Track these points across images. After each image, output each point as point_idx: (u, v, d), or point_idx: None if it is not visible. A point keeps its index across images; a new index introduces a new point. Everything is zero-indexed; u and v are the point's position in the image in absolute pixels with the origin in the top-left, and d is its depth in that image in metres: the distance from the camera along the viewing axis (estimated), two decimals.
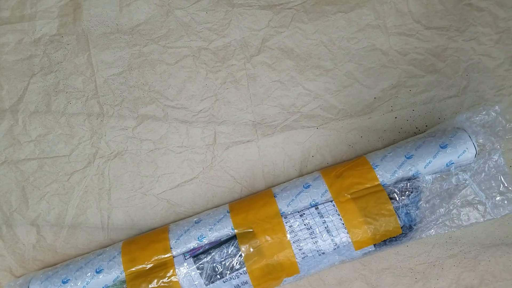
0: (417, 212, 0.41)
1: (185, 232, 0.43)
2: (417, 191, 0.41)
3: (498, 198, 0.41)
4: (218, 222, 0.43)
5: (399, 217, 0.41)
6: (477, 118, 0.42)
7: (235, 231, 0.42)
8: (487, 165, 0.41)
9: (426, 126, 0.48)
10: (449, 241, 0.47)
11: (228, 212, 0.43)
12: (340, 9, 0.49)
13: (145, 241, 0.43)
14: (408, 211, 0.41)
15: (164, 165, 0.48)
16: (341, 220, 0.41)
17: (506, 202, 0.41)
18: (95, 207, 0.48)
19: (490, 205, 0.41)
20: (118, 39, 0.49)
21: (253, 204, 0.43)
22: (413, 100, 0.48)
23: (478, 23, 0.49)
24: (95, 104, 0.49)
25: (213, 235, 0.42)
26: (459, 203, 0.42)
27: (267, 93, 0.49)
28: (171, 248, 0.42)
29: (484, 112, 0.42)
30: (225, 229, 0.42)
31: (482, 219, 0.42)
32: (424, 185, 0.41)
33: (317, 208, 0.42)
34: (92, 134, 0.48)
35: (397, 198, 0.41)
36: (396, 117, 0.48)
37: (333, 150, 0.48)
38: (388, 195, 0.41)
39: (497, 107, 0.42)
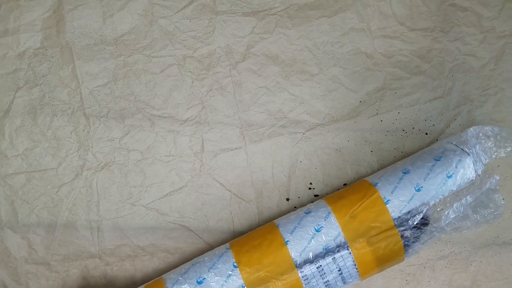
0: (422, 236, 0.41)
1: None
2: (427, 222, 0.41)
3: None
4: (226, 279, 0.41)
5: (407, 247, 0.41)
6: (482, 141, 0.42)
7: None
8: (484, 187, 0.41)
9: (413, 128, 0.48)
10: (439, 242, 0.47)
11: (235, 266, 0.41)
12: (324, 14, 0.49)
13: None
14: (417, 239, 0.41)
15: (152, 175, 0.48)
16: (356, 270, 0.41)
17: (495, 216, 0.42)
18: (84, 219, 0.48)
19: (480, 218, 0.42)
20: (102, 50, 0.49)
21: (264, 256, 0.41)
22: (399, 103, 0.48)
23: (463, 23, 0.49)
24: (81, 116, 0.49)
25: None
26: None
27: (254, 99, 0.49)
28: None
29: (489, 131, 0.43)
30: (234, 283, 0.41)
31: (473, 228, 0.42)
32: (432, 213, 0.41)
33: (334, 259, 0.40)
34: (79, 146, 0.48)
35: (410, 238, 0.41)
36: (381, 120, 0.48)
37: (321, 155, 0.48)
38: (401, 225, 0.41)
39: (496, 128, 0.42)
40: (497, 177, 0.41)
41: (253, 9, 0.49)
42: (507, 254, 0.47)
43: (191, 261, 0.44)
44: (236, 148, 0.49)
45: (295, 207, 0.48)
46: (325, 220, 0.41)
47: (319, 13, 0.49)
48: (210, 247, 0.48)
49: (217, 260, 0.42)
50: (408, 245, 0.41)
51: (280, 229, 0.42)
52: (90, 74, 0.49)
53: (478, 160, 0.42)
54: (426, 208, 0.41)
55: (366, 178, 0.44)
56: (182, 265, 0.44)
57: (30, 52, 0.49)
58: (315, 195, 0.48)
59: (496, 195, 0.41)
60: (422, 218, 0.41)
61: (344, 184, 0.48)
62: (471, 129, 0.43)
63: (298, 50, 0.49)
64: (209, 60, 0.49)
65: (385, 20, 0.49)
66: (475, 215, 0.41)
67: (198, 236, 0.48)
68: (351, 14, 0.49)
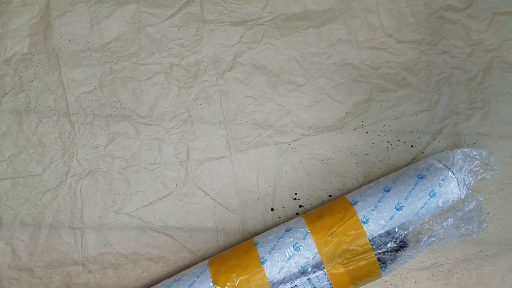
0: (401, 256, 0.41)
1: None
2: (405, 244, 0.41)
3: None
4: None
5: (384, 267, 0.41)
6: (467, 163, 0.42)
7: None
8: (466, 208, 0.41)
9: (398, 140, 0.48)
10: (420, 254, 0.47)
11: (212, 286, 0.42)
12: (311, 24, 0.49)
13: None
14: (394, 260, 0.41)
15: (137, 183, 0.48)
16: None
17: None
18: (68, 226, 0.48)
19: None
20: (89, 57, 0.49)
21: (240, 277, 0.41)
22: (384, 115, 0.48)
23: (451, 36, 0.49)
24: (66, 122, 0.49)
25: None
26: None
27: (240, 109, 0.49)
28: None
29: (476, 154, 0.42)
30: None
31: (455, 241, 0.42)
32: (411, 236, 0.41)
33: (309, 279, 0.41)
34: (64, 153, 0.48)
35: (387, 259, 0.41)
36: (367, 132, 0.48)
37: (306, 166, 0.48)
38: (378, 247, 0.41)
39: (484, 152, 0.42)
40: (481, 199, 0.41)
41: (241, 18, 0.49)
42: (490, 267, 0.47)
43: (173, 277, 0.44)
44: (221, 157, 0.49)
45: (279, 217, 0.48)
46: (303, 239, 0.42)
47: (306, 24, 0.49)
48: (194, 256, 0.48)
49: (196, 279, 0.42)
50: (385, 266, 0.41)
51: (259, 248, 0.43)
52: (76, 80, 0.49)
53: (463, 182, 0.41)
54: (405, 233, 0.41)
55: (347, 196, 0.44)
56: (163, 281, 0.44)
57: (17, 58, 0.49)
58: (300, 206, 0.48)
59: (481, 213, 0.41)
60: (401, 241, 0.41)
61: (330, 195, 0.48)
62: (459, 151, 0.42)
63: (285, 61, 0.49)
64: (196, 69, 0.49)
65: (373, 31, 0.49)
66: (458, 230, 0.41)
67: (182, 245, 0.48)
68: (339, 25, 0.49)
